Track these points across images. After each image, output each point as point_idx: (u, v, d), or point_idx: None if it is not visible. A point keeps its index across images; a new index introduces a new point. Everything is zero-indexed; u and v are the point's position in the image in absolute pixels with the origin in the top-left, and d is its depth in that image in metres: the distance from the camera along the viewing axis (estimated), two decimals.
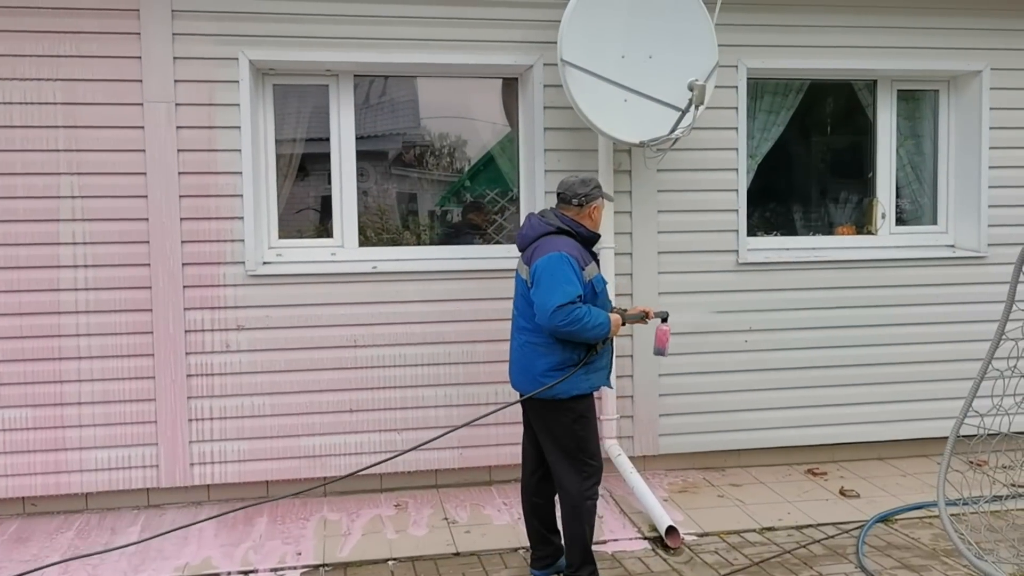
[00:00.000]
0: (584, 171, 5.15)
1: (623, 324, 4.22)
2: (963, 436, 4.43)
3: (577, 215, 3.96)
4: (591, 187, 3.98)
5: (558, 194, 4.02)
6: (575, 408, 3.86)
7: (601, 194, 4.01)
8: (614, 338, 4.00)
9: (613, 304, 4.39)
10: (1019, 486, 5.01)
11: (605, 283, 4.03)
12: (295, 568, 4.32)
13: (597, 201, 3.99)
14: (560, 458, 3.89)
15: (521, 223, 4.10)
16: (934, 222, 6.16)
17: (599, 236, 4.06)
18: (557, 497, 4.01)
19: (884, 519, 4.91)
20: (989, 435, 4.46)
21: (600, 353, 3.90)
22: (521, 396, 3.97)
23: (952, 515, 4.37)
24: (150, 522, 4.92)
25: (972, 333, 5.87)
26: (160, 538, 4.64)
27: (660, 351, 4.32)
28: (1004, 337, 4.26)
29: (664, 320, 4.35)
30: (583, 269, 3.80)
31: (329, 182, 5.41)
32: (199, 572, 4.28)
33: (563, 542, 4.00)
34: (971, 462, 5.03)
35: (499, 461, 5.41)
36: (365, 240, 5.50)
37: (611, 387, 4.21)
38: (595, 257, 4.02)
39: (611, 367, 4.07)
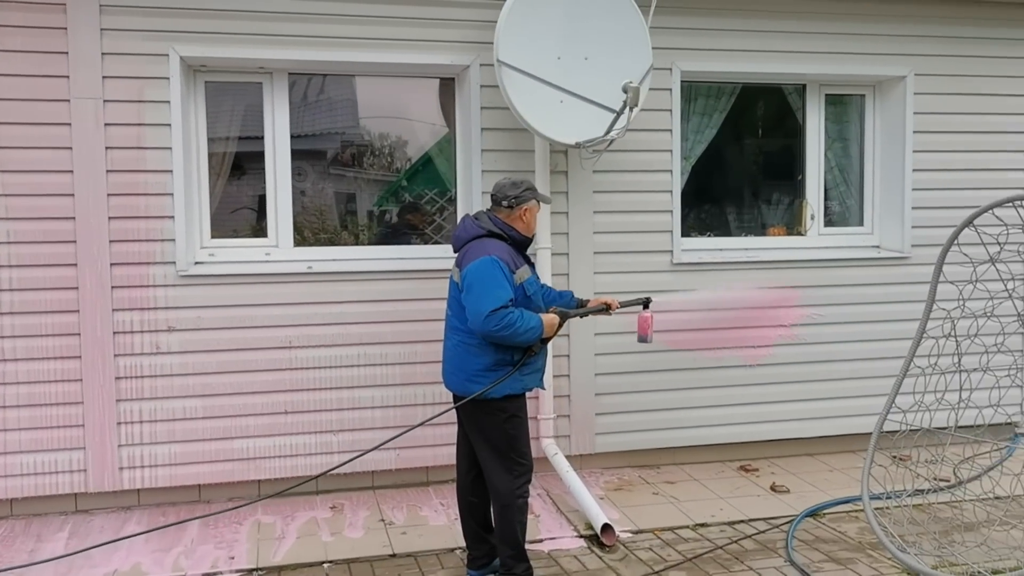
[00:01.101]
0: (520, 172, 5.20)
1: (582, 317, 4.22)
2: (887, 432, 4.57)
3: (508, 217, 3.96)
4: (522, 189, 3.97)
5: (491, 196, 4.03)
6: (507, 408, 3.87)
7: (533, 196, 4.00)
8: (548, 340, 4.02)
9: (578, 298, 4.39)
10: (941, 480, 5.18)
11: (540, 286, 4.04)
12: (228, 572, 4.25)
13: (528, 203, 3.98)
14: (491, 457, 3.91)
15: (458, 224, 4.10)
16: (861, 223, 6.33)
17: (531, 239, 4.06)
18: None
19: (813, 513, 5.03)
20: (911, 431, 4.62)
21: (536, 355, 3.92)
22: (454, 395, 3.98)
23: (876, 509, 4.52)
24: (78, 528, 4.80)
25: (896, 332, 6.05)
26: (88, 544, 4.54)
27: (643, 339, 4.35)
28: (925, 335, 4.41)
29: (645, 306, 4.37)
30: (514, 272, 3.81)
31: (264, 181, 5.34)
32: None
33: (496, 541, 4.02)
34: (895, 457, 5.18)
35: (436, 462, 5.41)
36: (301, 240, 5.44)
37: (544, 388, 4.24)
38: (528, 260, 4.02)
39: (545, 369, 4.10)
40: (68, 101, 4.82)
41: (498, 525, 3.95)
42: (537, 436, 5.43)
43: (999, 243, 4.14)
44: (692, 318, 5.73)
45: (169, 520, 4.89)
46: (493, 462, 3.91)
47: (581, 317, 4.26)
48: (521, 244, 3.99)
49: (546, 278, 5.28)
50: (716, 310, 5.76)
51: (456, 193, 5.63)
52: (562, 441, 5.57)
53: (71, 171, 4.84)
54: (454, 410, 4.04)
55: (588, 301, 4.36)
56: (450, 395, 4.06)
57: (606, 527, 4.62)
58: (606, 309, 4.30)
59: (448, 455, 5.31)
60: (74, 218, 4.86)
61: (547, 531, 4.77)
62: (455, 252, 4.01)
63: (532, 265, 4.05)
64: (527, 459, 3.95)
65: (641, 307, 4.44)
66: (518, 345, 3.82)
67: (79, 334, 4.90)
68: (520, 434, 3.92)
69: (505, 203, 3.94)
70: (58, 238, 4.85)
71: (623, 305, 4.38)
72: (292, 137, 5.36)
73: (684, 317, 5.70)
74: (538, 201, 4.04)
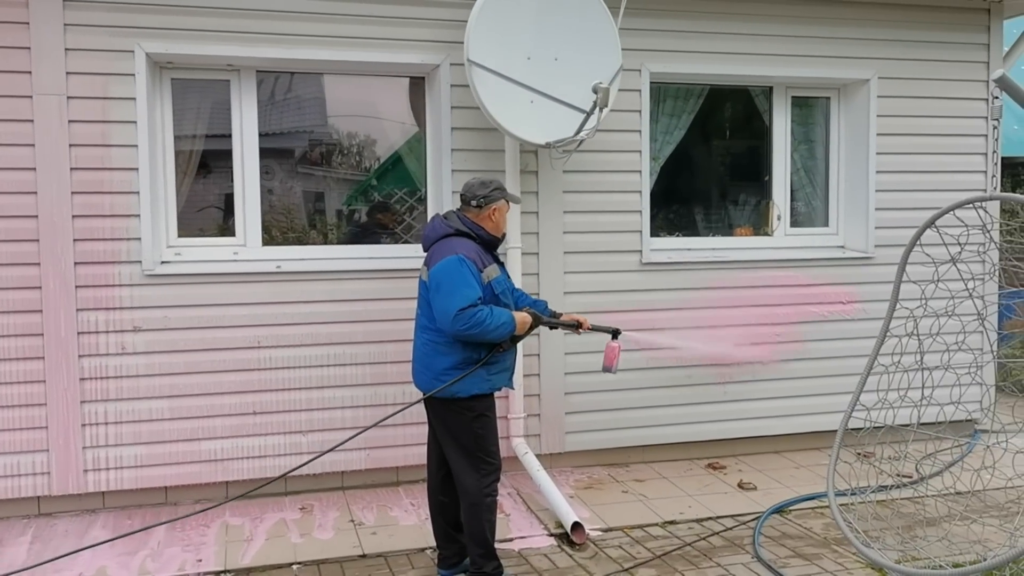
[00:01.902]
0: (490, 171, 5.20)
1: (551, 328, 4.19)
2: (851, 429, 4.64)
3: (477, 217, 3.96)
4: (491, 188, 3.97)
5: (460, 195, 4.03)
6: (474, 407, 3.88)
7: (503, 195, 4.01)
8: (519, 339, 4.03)
9: (551, 310, 4.34)
10: (903, 476, 5.28)
11: (508, 285, 4.04)
12: (195, 575, 4.21)
13: (498, 202, 3.98)
14: (459, 456, 3.92)
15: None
16: (826, 224, 6.42)
17: (500, 239, 4.06)
18: None
19: (779, 510, 5.09)
20: (875, 428, 4.70)
21: (503, 354, 3.93)
22: (424, 395, 3.98)
23: (841, 505, 4.59)
24: (41, 532, 4.72)
25: (861, 331, 6.15)
26: (52, 549, 4.47)
27: (608, 369, 4.33)
28: (888, 334, 4.49)
29: (615, 337, 4.35)
30: (481, 271, 3.81)
31: (232, 180, 5.30)
32: None
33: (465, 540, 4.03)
34: (859, 454, 5.26)
35: (407, 462, 5.39)
36: (270, 239, 5.40)
37: (513, 388, 4.26)
38: (498, 260, 4.02)
39: (514, 369, 4.11)
40: (31, 97, 4.74)
41: (467, 524, 3.96)
42: (507, 435, 5.45)
43: (960, 243, 4.22)
44: (665, 318, 5.78)
45: (135, 523, 4.84)
46: (461, 461, 3.92)
47: (551, 328, 4.25)
48: (490, 243, 3.99)
49: (516, 277, 5.30)
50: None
51: (426, 192, 5.62)
52: (532, 440, 5.59)
53: (33, 168, 4.76)
54: (425, 410, 4.04)
55: (561, 315, 4.35)
56: (420, 395, 4.06)
57: (576, 525, 4.64)
58: (576, 327, 4.29)
59: (418, 455, 5.30)
60: (37, 216, 4.77)
61: (517, 530, 4.78)
62: (424, 251, 4.01)
63: (502, 265, 4.06)
64: (495, 458, 3.96)
65: (610, 336, 4.38)
66: (489, 342, 3.83)
67: (42, 334, 4.82)
68: (488, 433, 3.94)
69: (474, 203, 3.94)
70: (20, 236, 4.77)
71: (593, 328, 4.34)
72: (260, 135, 5.32)
73: (655, 317, 5.75)
74: (507, 201, 4.05)
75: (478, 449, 3.90)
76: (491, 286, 3.86)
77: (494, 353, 3.88)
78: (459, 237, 3.89)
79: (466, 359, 3.84)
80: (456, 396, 3.84)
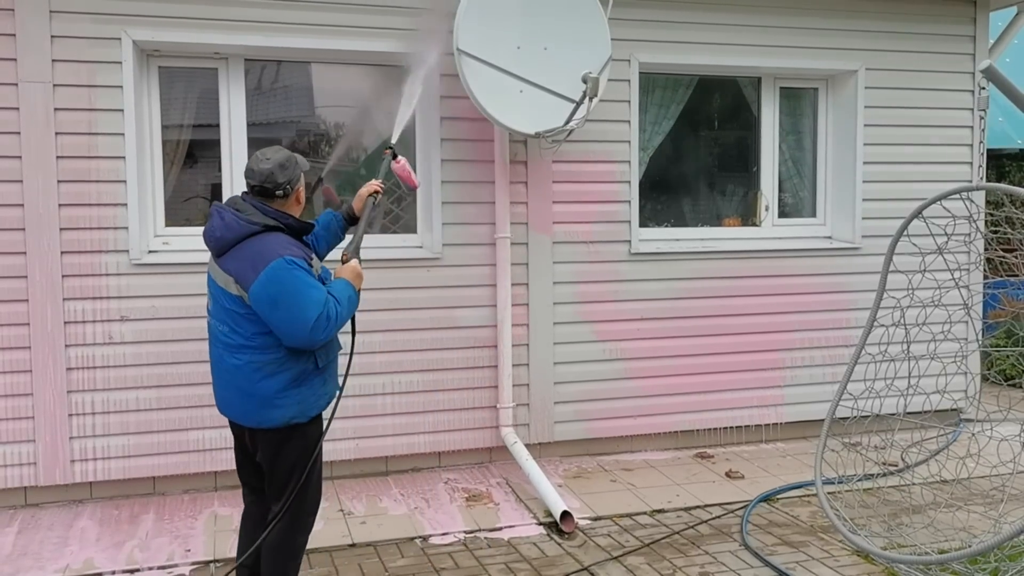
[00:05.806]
0: (481, 161, 5.13)
1: (371, 225, 3.72)
2: (839, 418, 4.68)
3: (284, 205, 3.31)
4: (292, 167, 3.30)
5: (253, 186, 3.27)
6: (309, 432, 3.35)
7: (301, 168, 3.37)
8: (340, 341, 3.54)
9: (346, 206, 3.85)
10: (890, 464, 5.32)
11: (329, 271, 3.52)
12: (184, 565, 4.20)
13: (300, 181, 3.36)
14: (281, 490, 3.36)
15: (224, 217, 3.27)
16: (813, 215, 6.44)
17: (312, 226, 3.47)
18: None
19: (767, 498, 5.12)
20: (862, 417, 4.73)
21: (334, 354, 3.45)
22: (246, 426, 3.33)
23: (828, 493, 4.63)
24: (27, 523, 4.70)
25: (848, 320, 6.19)
26: (38, 541, 4.45)
27: (413, 188, 4.03)
28: (876, 324, 4.52)
29: (395, 157, 4.00)
30: (311, 265, 3.25)
31: (219, 169, 5.27)
32: (80, 574, 4.11)
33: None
34: (846, 442, 5.30)
35: (395, 451, 5.39)
36: None
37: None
38: (307, 244, 3.47)
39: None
40: (16, 85, 4.69)
41: (270, 565, 3.40)
42: (496, 425, 5.48)
43: (946, 233, 4.26)
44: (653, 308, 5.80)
45: (122, 514, 4.82)
46: (283, 498, 3.36)
47: (369, 230, 3.78)
48: (300, 231, 3.36)
49: (506, 268, 5.31)
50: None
51: None
52: (521, 430, 5.59)
53: (19, 157, 4.72)
54: (236, 437, 3.48)
55: (352, 201, 3.81)
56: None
57: (565, 514, 4.66)
58: (376, 196, 3.77)
59: (407, 444, 5.35)
60: (23, 205, 4.74)
61: (507, 519, 4.79)
62: (216, 254, 3.27)
63: (308, 245, 3.52)
64: (319, 494, 3.51)
65: (392, 159, 4.00)
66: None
67: (28, 324, 4.78)
68: (319, 465, 3.45)
69: (280, 192, 3.26)
70: (6, 225, 4.74)
71: (383, 176, 3.92)
72: (248, 124, 5.28)
73: (644, 307, 5.77)
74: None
75: (306, 484, 3.36)
76: (321, 278, 3.33)
77: (329, 351, 3.36)
78: (270, 233, 3.22)
79: (302, 371, 3.25)
80: (294, 423, 3.27)
